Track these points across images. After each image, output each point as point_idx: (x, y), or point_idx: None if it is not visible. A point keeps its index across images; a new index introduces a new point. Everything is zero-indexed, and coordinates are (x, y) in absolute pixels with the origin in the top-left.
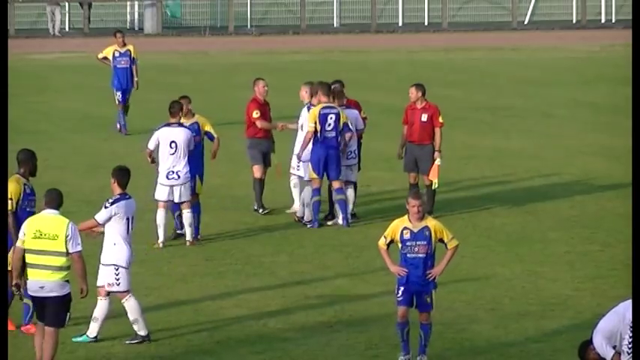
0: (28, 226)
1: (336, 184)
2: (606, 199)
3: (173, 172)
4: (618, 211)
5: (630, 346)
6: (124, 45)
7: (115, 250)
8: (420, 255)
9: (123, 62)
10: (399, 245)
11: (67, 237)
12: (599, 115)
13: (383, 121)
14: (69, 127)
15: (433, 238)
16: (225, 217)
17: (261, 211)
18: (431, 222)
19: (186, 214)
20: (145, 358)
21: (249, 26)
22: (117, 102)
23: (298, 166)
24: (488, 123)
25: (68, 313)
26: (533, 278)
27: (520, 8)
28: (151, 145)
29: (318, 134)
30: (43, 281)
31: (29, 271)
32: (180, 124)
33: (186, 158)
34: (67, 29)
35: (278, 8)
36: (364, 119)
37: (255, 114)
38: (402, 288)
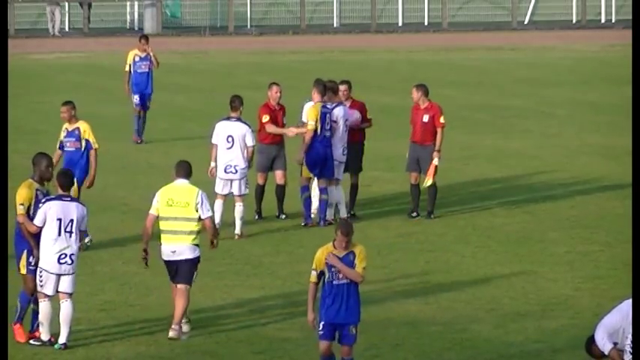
0: (162, 196)
1: (322, 184)
2: (606, 199)
3: (230, 166)
4: (618, 211)
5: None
6: (145, 51)
7: (42, 252)
8: (343, 281)
9: (143, 67)
10: (326, 274)
11: (197, 204)
12: (598, 115)
13: (383, 121)
14: None
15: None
16: (224, 217)
17: (256, 217)
18: (357, 248)
19: (239, 208)
20: (145, 358)
21: (249, 26)
22: (134, 106)
23: None
24: (488, 123)
25: (195, 272)
26: (533, 278)
27: (520, 8)
28: (214, 140)
29: (318, 133)
30: (175, 245)
31: (163, 236)
32: (239, 119)
33: (244, 153)
34: (66, 29)
35: (278, 8)
36: (369, 120)
37: (264, 118)
38: (322, 322)
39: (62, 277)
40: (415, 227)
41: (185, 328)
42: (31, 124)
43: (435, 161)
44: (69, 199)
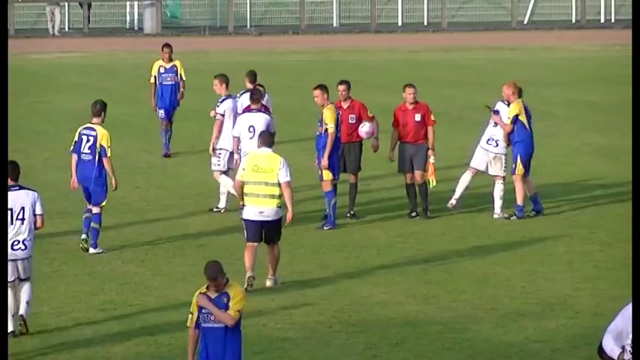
0: (248, 162)
1: (331, 185)
2: (605, 199)
3: None
4: (617, 211)
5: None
6: (170, 60)
7: None
8: (217, 325)
9: (169, 79)
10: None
11: (279, 170)
12: (598, 115)
13: (382, 121)
14: (69, 127)
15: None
16: (225, 216)
17: None
18: (232, 289)
19: None
20: (144, 358)
21: (248, 26)
22: (159, 120)
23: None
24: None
25: (281, 231)
26: (532, 278)
27: (519, 8)
28: (235, 133)
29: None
30: (261, 207)
31: (248, 199)
32: (260, 110)
33: None
34: (66, 29)
35: (277, 8)
36: (372, 118)
37: None
38: None
39: (18, 263)
40: (415, 227)
41: (269, 282)
42: (31, 124)
43: (432, 159)
44: (17, 187)
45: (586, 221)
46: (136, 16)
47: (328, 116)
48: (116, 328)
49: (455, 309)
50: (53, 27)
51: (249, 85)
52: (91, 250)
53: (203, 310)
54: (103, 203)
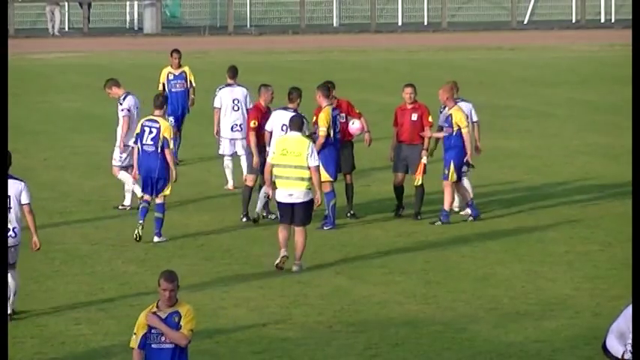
0: (277, 146)
1: (331, 187)
2: (605, 199)
3: None
4: (617, 211)
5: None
6: (179, 66)
7: None
8: (167, 345)
9: (178, 85)
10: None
11: (307, 154)
12: (598, 115)
13: (382, 121)
14: (69, 127)
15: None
16: (224, 216)
17: (244, 219)
18: (184, 307)
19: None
20: None
21: (248, 26)
22: None
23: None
24: (487, 123)
25: (311, 214)
26: (532, 278)
27: (519, 8)
28: (268, 127)
29: (331, 137)
30: (291, 190)
31: (278, 182)
32: (295, 110)
33: None
34: (66, 29)
35: (277, 8)
36: (359, 115)
37: (252, 124)
38: None
39: (10, 249)
40: (415, 227)
41: (295, 268)
42: (31, 124)
43: (424, 160)
44: (7, 177)
45: (586, 221)
46: (135, 16)
47: (322, 118)
48: (116, 328)
49: (455, 309)
50: (53, 27)
51: (230, 81)
52: (156, 239)
53: (153, 331)
54: (167, 192)
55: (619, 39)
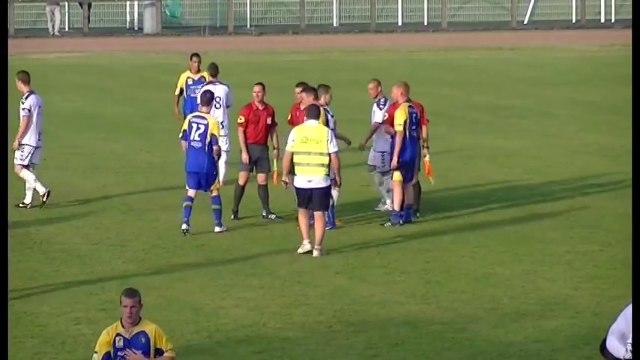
0: (297, 134)
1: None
2: (606, 199)
3: None
4: (618, 211)
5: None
6: (199, 71)
7: None
8: None
9: (197, 91)
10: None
11: (327, 141)
12: (598, 115)
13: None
14: (69, 127)
15: (152, 346)
16: (224, 216)
17: (232, 217)
18: (149, 326)
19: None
20: None
21: (248, 26)
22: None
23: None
24: (487, 123)
25: (330, 200)
26: (532, 278)
27: (519, 8)
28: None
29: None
30: (310, 176)
31: (298, 168)
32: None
33: None
34: (66, 29)
35: (277, 8)
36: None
37: (239, 119)
38: None
39: None
40: (415, 227)
41: (316, 253)
42: None
43: (427, 158)
44: None
45: (586, 221)
46: (135, 16)
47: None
48: None
49: (455, 309)
50: (53, 27)
51: (211, 78)
52: (217, 229)
53: (119, 353)
54: (218, 186)
55: (619, 39)
